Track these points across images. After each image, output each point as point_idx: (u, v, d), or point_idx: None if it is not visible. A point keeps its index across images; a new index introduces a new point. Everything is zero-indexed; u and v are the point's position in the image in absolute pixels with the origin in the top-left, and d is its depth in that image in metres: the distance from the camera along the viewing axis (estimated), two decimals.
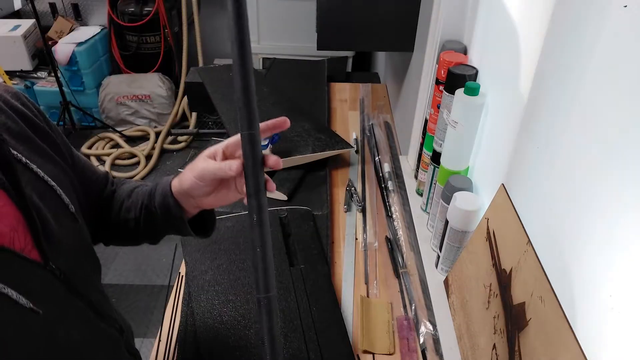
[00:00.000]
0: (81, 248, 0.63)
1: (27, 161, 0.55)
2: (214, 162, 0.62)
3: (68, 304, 0.56)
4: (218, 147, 0.64)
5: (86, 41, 3.00)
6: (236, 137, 0.61)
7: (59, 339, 0.53)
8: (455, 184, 0.87)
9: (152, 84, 3.05)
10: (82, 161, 0.72)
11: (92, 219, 0.72)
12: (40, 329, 0.51)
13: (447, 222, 0.86)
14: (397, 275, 0.98)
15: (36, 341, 0.50)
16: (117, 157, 2.91)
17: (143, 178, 2.79)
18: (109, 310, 0.67)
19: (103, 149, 2.98)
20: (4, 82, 2.80)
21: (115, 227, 0.76)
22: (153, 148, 2.96)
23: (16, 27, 2.96)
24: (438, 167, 0.97)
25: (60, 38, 3.02)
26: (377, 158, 1.31)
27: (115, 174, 2.70)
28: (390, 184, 1.20)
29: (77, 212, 0.61)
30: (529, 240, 0.63)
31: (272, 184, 0.57)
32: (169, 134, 3.05)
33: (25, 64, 3.03)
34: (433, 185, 1.01)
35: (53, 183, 0.57)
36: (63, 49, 2.93)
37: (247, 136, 0.52)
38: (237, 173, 0.57)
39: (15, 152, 0.53)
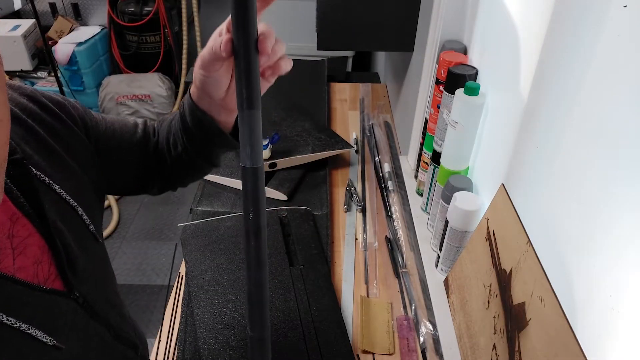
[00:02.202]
0: (102, 269, 0.62)
1: (50, 181, 0.53)
2: (209, 45, 0.51)
3: (89, 330, 0.56)
4: (223, 24, 0.52)
5: (86, 41, 3.00)
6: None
7: None
8: (455, 184, 0.87)
9: (152, 83, 3.04)
10: (115, 138, 0.69)
11: (148, 182, 0.74)
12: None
13: (447, 222, 0.86)
14: (397, 275, 0.98)
15: None
16: None
17: None
18: (126, 328, 0.67)
19: None
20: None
21: (176, 169, 0.73)
22: None
23: (16, 27, 2.95)
24: (438, 167, 0.97)
25: (60, 38, 3.02)
26: (377, 158, 1.31)
27: None
28: (390, 184, 1.20)
29: (98, 230, 0.61)
30: (529, 240, 0.63)
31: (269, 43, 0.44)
32: None
33: (25, 64, 3.03)
34: (433, 185, 1.01)
35: (75, 204, 0.56)
36: (63, 49, 2.93)
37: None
38: (227, 53, 0.46)
39: (37, 173, 0.52)
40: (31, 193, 0.50)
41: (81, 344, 0.54)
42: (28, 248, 0.49)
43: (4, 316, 0.45)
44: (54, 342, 0.48)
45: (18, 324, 0.45)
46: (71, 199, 0.56)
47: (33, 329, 0.46)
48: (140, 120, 0.75)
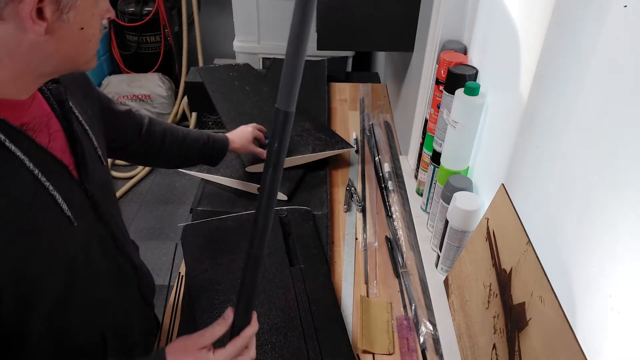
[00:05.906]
0: (106, 185, 0.72)
1: (72, 106, 0.65)
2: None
3: (94, 227, 0.66)
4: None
5: None
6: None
7: (83, 260, 0.62)
8: (455, 184, 0.87)
9: (152, 83, 3.04)
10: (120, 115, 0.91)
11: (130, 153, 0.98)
12: (74, 241, 0.60)
13: (447, 222, 0.86)
14: (397, 275, 0.98)
15: (72, 248, 0.60)
16: None
17: (143, 178, 2.78)
18: (127, 246, 0.76)
19: None
20: None
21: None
22: None
23: None
24: (438, 167, 0.97)
25: None
26: (377, 158, 1.31)
27: (115, 174, 2.69)
28: (390, 184, 1.21)
29: (104, 155, 0.71)
30: (529, 240, 0.63)
31: None
32: None
33: None
34: (433, 185, 1.01)
35: (87, 128, 0.68)
36: None
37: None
38: None
39: (71, 104, 0.66)
40: (60, 105, 0.63)
41: (88, 231, 0.64)
42: (58, 139, 0.61)
43: (43, 177, 0.55)
44: (69, 213, 0.58)
45: (48, 184, 0.56)
46: (85, 124, 0.68)
47: (56, 192, 0.57)
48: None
